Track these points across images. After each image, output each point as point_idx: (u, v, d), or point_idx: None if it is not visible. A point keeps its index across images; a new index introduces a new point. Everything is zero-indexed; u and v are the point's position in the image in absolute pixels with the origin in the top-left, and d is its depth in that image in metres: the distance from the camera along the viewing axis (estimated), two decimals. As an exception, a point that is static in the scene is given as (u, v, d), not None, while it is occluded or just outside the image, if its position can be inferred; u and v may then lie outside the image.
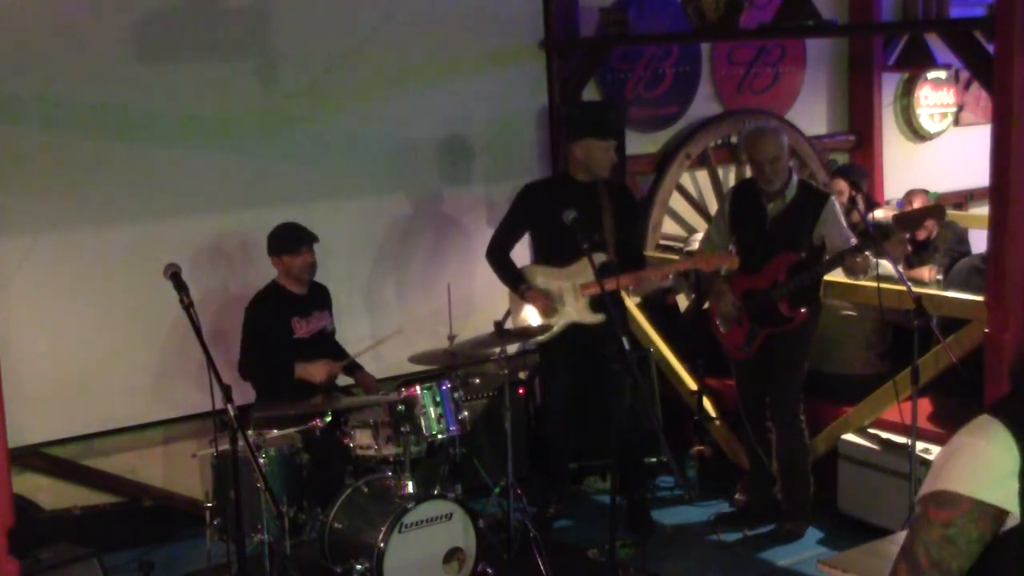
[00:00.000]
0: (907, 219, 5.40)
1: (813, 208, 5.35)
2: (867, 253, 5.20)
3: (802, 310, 5.38)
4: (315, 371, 5.32)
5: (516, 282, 5.60)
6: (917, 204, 6.98)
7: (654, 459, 6.14)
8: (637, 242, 5.84)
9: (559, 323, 5.53)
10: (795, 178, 5.43)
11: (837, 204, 5.48)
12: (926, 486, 2.08)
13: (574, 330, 5.54)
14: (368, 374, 5.61)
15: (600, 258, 5.31)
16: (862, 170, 7.48)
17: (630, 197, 5.83)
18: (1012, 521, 2.00)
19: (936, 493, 2.04)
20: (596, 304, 5.48)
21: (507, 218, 5.74)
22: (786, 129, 6.73)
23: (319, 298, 5.52)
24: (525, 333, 5.47)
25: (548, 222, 5.43)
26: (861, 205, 6.41)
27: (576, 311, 5.53)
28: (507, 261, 5.68)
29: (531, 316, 5.61)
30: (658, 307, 6.81)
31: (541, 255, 5.73)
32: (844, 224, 5.41)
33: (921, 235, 6.67)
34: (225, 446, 4.46)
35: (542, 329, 5.46)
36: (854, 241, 5.28)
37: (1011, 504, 1.99)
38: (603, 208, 5.46)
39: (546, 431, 5.92)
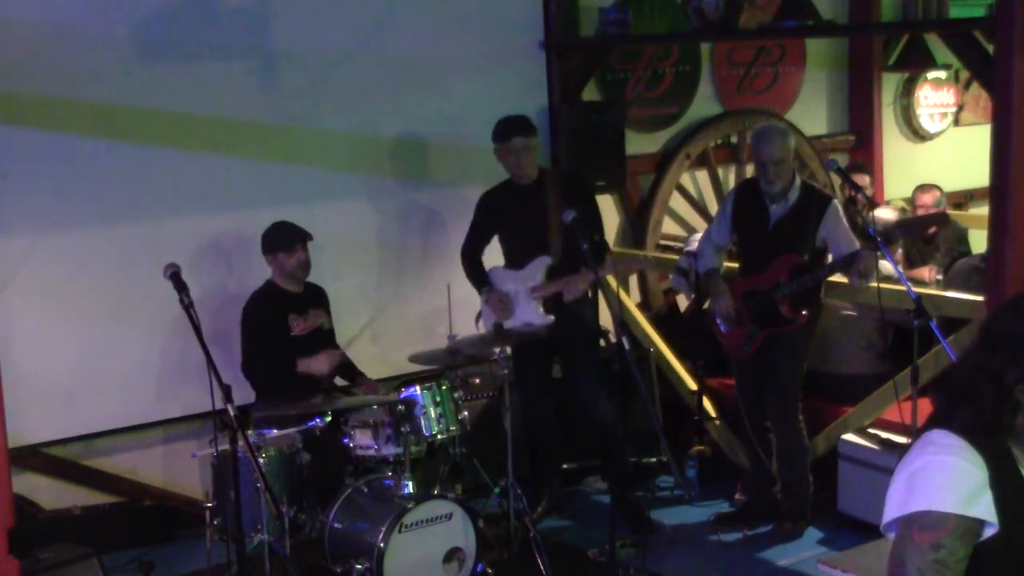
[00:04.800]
0: (910, 226, 5.40)
1: (816, 211, 5.35)
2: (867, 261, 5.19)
3: (803, 312, 5.38)
4: (317, 363, 5.32)
5: (479, 284, 5.70)
6: (926, 199, 6.97)
7: (654, 459, 6.13)
8: (593, 236, 5.36)
9: (513, 325, 5.55)
10: (798, 180, 5.43)
11: (840, 207, 5.48)
12: (896, 510, 2.04)
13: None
14: (369, 381, 5.60)
15: (545, 261, 5.50)
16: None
17: (580, 188, 5.75)
18: (988, 531, 1.99)
19: (917, 515, 2.00)
20: (548, 306, 5.56)
21: (471, 224, 5.83)
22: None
23: (315, 297, 5.52)
24: (526, 333, 5.47)
25: (500, 227, 5.70)
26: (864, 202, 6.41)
27: (528, 313, 5.56)
28: (474, 263, 5.77)
29: (489, 317, 5.67)
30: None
31: (505, 258, 5.80)
32: (847, 227, 5.41)
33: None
34: (225, 446, 4.47)
35: (544, 329, 5.45)
36: (857, 245, 5.28)
37: (990, 515, 1.98)
38: (548, 207, 5.50)
39: (527, 426, 5.87)
